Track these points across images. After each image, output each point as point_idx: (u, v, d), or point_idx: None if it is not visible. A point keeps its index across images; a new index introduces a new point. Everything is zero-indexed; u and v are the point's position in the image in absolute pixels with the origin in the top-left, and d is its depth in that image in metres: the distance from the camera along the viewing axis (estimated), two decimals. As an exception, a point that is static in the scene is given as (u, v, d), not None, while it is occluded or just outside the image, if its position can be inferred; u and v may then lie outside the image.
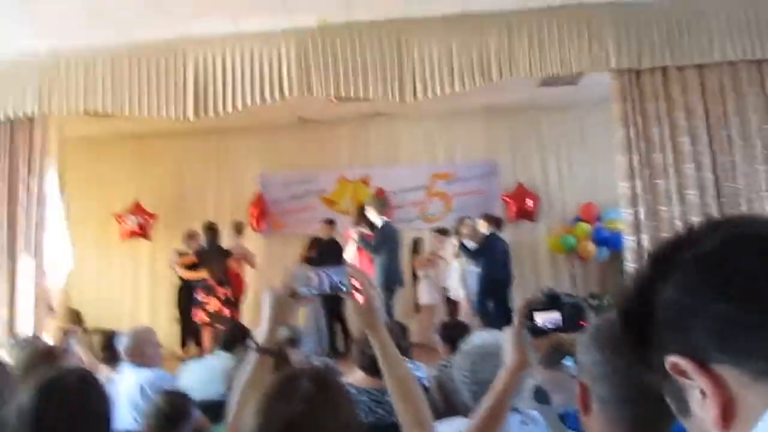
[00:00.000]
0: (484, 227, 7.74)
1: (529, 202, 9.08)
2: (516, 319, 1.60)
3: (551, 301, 1.66)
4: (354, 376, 2.85)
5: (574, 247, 8.74)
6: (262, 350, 1.43)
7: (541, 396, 1.98)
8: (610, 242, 8.47)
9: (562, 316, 1.65)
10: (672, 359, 0.61)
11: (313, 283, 1.42)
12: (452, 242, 8.00)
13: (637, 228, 5.90)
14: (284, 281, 1.46)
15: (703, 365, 0.59)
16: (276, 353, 1.44)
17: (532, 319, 1.63)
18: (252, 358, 1.44)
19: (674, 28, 6.00)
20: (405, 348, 3.53)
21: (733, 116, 5.99)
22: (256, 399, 1.13)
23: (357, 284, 1.41)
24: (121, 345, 3.50)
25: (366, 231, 7.45)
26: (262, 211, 9.18)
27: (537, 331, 1.66)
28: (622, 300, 0.68)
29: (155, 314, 9.15)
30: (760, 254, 0.58)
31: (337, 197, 9.42)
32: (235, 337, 3.85)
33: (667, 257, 0.64)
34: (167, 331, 8.19)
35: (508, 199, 9.14)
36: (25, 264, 6.26)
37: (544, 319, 1.64)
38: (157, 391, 2.97)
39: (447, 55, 6.05)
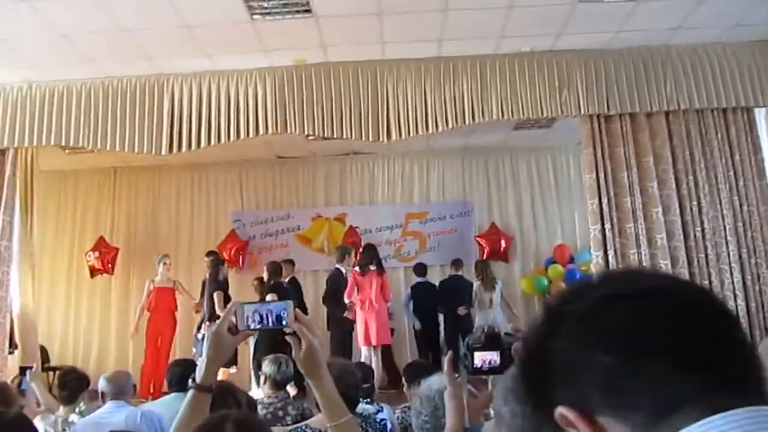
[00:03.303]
0: None
1: (503, 243, 9.13)
2: (445, 368, 1.57)
3: (490, 341, 1.62)
4: (314, 417, 2.80)
5: (547, 288, 8.77)
6: (197, 387, 1.40)
7: None
8: (583, 284, 8.52)
9: (501, 356, 1.61)
10: (561, 410, 0.61)
11: (255, 318, 1.39)
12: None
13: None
14: (224, 317, 1.42)
15: (588, 416, 0.60)
16: (212, 390, 1.41)
17: (473, 357, 1.59)
18: (189, 395, 1.41)
19: (642, 75, 6.17)
20: (367, 390, 3.49)
21: (699, 162, 6.12)
22: None
23: (299, 326, 1.37)
24: (104, 386, 3.44)
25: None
26: (237, 249, 9.11)
27: (475, 371, 1.63)
28: (520, 351, 0.68)
29: (123, 352, 8.96)
30: (635, 309, 0.60)
31: (312, 235, 9.39)
32: (186, 376, 3.76)
33: (557, 310, 0.65)
34: (134, 367, 8.01)
35: (481, 240, 9.19)
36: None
37: (482, 359, 1.61)
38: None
39: (421, 97, 6.14)
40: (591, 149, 6.12)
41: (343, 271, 7.37)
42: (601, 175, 6.07)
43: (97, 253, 8.94)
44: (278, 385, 3.70)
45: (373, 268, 7.20)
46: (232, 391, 2.25)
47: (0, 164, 6.42)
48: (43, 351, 8.42)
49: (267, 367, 3.78)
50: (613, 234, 5.99)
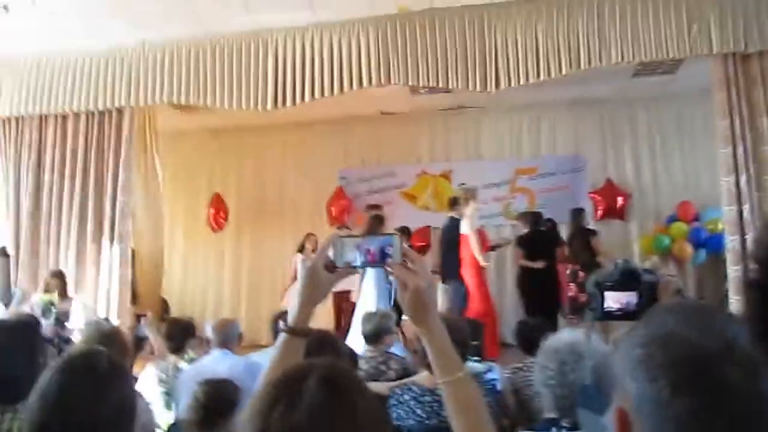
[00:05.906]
0: None
1: (619, 200, 8.57)
2: None
3: (627, 278, 1.32)
4: (419, 375, 2.66)
5: (669, 248, 8.17)
6: (289, 331, 1.23)
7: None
8: (710, 244, 7.86)
9: (639, 298, 1.30)
10: None
11: (356, 253, 1.20)
12: None
13: (740, 227, 5.39)
14: (320, 251, 1.23)
15: None
16: (305, 334, 1.23)
17: (602, 298, 1.32)
18: (279, 339, 1.25)
19: (787, 6, 5.45)
20: (477, 347, 3.31)
21: None
22: (252, 402, 0.93)
23: (400, 268, 1.16)
24: (211, 332, 3.51)
25: None
26: (344, 206, 9.14)
27: (605, 315, 1.36)
28: (755, 281, 0.43)
29: (236, 304, 9.29)
30: None
31: (417, 192, 9.24)
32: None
33: None
34: (246, 321, 8.27)
35: (595, 196, 8.67)
36: (109, 251, 6.44)
37: (615, 300, 1.32)
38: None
39: (532, 42, 5.74)
40: (725, 93, 5.50)
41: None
42: (736, 121, 5.45)
43: (213, 210, 9.28)
44: (374, 339, 3.60)
45: None
46: (333, 343, 2.10)
47: (119, 123, 6.69)
48: (164, 303, 8.88)
49: (361, 325, 3.70)
50: (749, 187, 5.39)
